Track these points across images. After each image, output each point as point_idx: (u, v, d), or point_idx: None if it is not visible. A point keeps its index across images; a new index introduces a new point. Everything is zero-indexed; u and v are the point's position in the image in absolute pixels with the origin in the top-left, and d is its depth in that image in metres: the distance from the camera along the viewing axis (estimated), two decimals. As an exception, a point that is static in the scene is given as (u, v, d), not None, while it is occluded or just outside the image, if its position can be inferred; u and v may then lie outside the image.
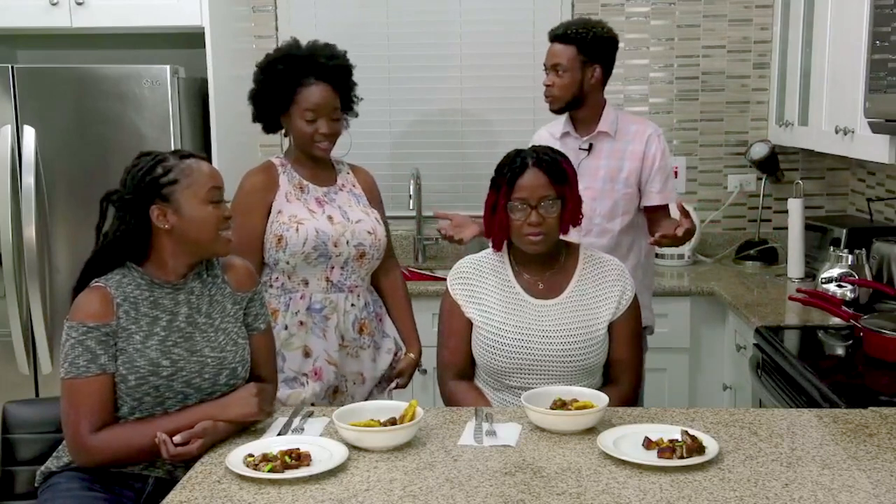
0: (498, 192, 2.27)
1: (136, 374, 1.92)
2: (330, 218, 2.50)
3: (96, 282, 1.96)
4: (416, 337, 2.70)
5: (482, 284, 2.34)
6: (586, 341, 2.26)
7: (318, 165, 2.58)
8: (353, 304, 2.55)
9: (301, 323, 2.50)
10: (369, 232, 2.55)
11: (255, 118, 2.58)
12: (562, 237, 2.33)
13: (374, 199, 2.69)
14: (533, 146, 2.36)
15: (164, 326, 1.97)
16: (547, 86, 2.86)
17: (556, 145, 2.69)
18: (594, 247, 2.56)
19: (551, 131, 2.96)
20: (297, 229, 2.45)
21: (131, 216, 1.95)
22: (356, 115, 2.66)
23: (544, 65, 2.88)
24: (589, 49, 2.81)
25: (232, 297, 2.09)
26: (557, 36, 2.84)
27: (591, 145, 2.88)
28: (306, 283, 2.51)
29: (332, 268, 2.51)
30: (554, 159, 2.27)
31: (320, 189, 2.56)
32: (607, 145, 2.87)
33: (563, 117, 2.93)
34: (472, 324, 2.31)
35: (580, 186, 2.75)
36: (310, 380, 2.50)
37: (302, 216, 2.48)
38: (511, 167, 2.25)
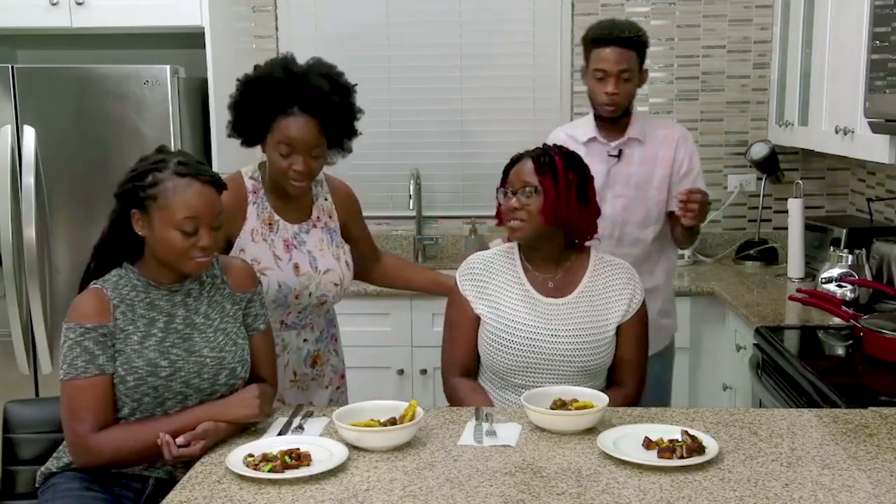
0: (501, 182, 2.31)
1: (135, 374, 1.92)
2: (296, 267, 2.34)
3: (94, 284, 1.97)
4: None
5: (492, 280, 2.32)
6: (595, 342, 2.25)
7: (292, 195, 2.36)
8: (305, 340, 2.44)
9: None
10: (336, 284, 2.42)
11: (232, 132, 2.33)
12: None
13: (354, 213, 2.55)
14: (553, 144, 2.33)
15: (161, 328, 1.97)
16: (611, 94, 2.68)
17: (581, 150, 2.49)
18: (627, 257, 2.47)
19: (571, 134, 2.84)
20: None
21: (118, 211, 1.97)
22: (349, 152, 2.39)
23: (602, 70, 2.68)
24: (644, 53, 2.75)
25: (231, 297, 2.08)
26: (621, 40, 2.67)
27: (620, 151, 2.79)
28: None
29: (290, 313, 2.39)
30: (550, 154, 2.24)
31: (291, 228, 2.37)
32: (637, 151, 2.79)
33: (584, 120, 2.87)
34: (479, 320, 2.31)
35: (611, 193, 2.72)
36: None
37: (265, 264, 2.31)
38: (514, 158, 2.28)
